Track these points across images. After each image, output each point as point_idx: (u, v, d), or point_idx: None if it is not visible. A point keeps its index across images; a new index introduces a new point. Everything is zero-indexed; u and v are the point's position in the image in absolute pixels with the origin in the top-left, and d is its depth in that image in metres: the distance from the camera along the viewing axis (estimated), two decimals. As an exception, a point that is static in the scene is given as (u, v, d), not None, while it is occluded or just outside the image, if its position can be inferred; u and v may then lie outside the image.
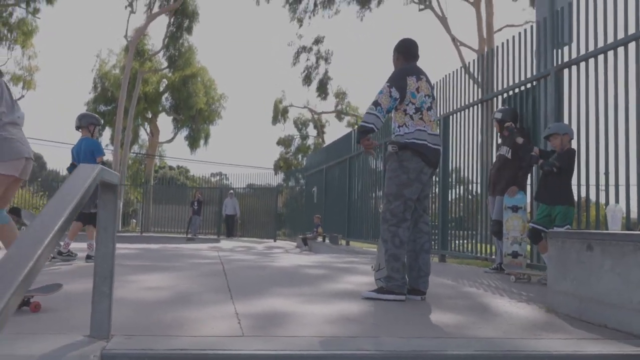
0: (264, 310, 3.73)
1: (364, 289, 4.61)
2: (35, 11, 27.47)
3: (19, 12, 27.35)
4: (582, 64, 6.14)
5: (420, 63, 4.69)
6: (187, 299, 4.10)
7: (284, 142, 39.68)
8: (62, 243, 7.52)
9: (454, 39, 23.46)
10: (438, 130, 4.64)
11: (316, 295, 4.42)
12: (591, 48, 5.99)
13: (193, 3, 29.36)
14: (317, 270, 6.46)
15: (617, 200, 5.48)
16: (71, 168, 7.60)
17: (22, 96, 30.47)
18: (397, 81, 4.35)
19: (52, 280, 4.05)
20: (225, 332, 3.08)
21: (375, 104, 4.28)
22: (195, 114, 33.91)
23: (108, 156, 23.25)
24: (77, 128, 7.54)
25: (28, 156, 3.93)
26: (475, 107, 8.28)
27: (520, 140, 6.04)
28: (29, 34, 28.11)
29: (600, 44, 5.86)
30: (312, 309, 3.84)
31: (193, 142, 35.03)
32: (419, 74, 4.47)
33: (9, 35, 27.19)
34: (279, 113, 37.68)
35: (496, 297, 4.73)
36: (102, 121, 8.03)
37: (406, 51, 4.66)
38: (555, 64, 6.59)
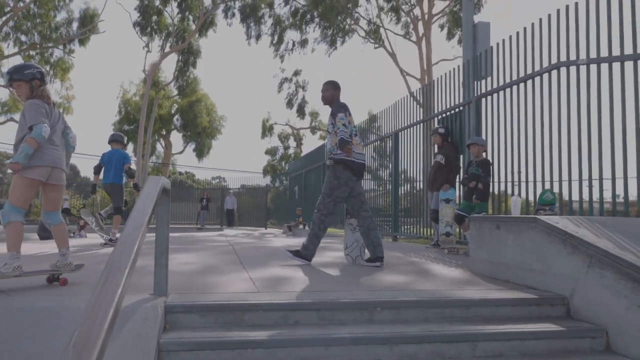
0: (270, 275, 4.11)
1: (337, 261, 4.98)
2: (71, 51, 27.32)
3: (57, 53, 27.26)
4: (495, 95, 6.56)
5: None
6: (213, 270, 4.44)
7: (271, 151, 39.66)
8: (110, 234, 7.81)
9: (401, 71, 23.87)
10: (363, 149, 5.09)
11: (304, 265, 4.76)
12: (501, 83, 6.42)
13: (197, 44, 29.25)
14: (303, 249, 6.75)
15: (519, 194, 5.97)
16: (97, 168, 7.51)
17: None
18: (345, 112, 4.83)
19: (82, 261, 4.15)
20: (245, 290, 3.46)
21: (345, 125, 4.73)
22: (200, 131, 33.79)
23: (132, 165, 23.16)
24: (110, 142, 7.71)
25: (54, 165, 3.69)
26: (419, 125, 8.63)
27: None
28: (66, 70, 27.79)
29: (508, 80, 6.29)
30: (302, 274, 4.22)
31: (199, 153, 34.84)
32: (349, 109, 4.93)
33: (50, 71, 27.02)
34: (266, 129, 37.64)
35: (434, 264, 5.12)
36: (126, 142, 8.12)
37: (340, 89, 5.11)
38: (476, 94, 6.98)
